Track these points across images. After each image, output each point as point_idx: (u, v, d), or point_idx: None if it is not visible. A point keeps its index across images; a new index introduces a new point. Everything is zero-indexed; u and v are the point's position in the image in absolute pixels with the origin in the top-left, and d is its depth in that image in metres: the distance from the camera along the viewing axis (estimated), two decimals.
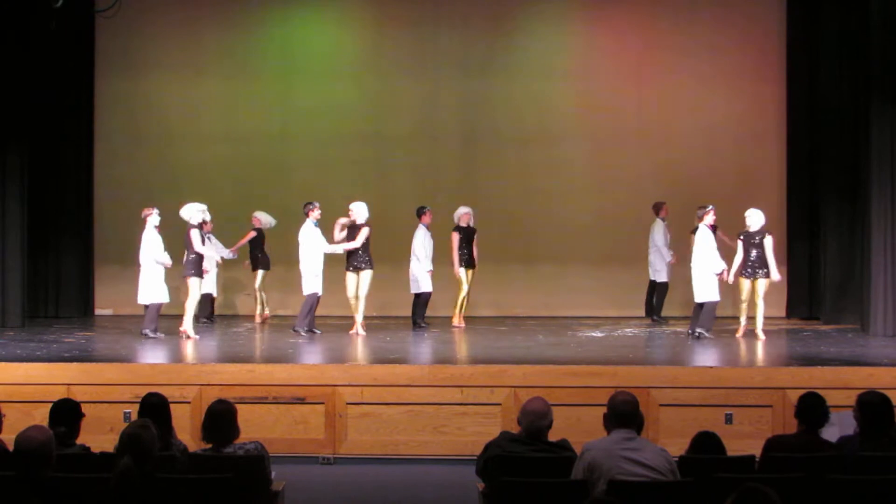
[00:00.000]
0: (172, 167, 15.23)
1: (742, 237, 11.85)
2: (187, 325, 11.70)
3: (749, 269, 11.75)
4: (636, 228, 14.32)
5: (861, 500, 5.20)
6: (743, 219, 11.99)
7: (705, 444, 5.96)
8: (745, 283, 11.80)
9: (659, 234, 13.79)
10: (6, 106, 12.85)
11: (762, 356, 10.68)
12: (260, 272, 13.82)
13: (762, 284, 11.72)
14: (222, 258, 13.61)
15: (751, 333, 11.74)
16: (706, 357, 10.85)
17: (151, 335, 11.61)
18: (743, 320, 11.96)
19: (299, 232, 12.23)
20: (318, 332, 12.11)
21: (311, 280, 12.08)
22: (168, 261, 11.83)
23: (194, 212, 11.87)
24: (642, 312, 14.23)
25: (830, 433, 6.33)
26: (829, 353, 10.65)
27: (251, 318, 13.96)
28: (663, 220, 13.81)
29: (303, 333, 11.98)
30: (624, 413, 5.39)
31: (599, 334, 12.47)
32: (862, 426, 5.97)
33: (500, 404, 8.96)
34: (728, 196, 14.00)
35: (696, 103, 15.13)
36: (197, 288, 11.79)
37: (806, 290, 14.58)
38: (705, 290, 11.65)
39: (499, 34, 15.30)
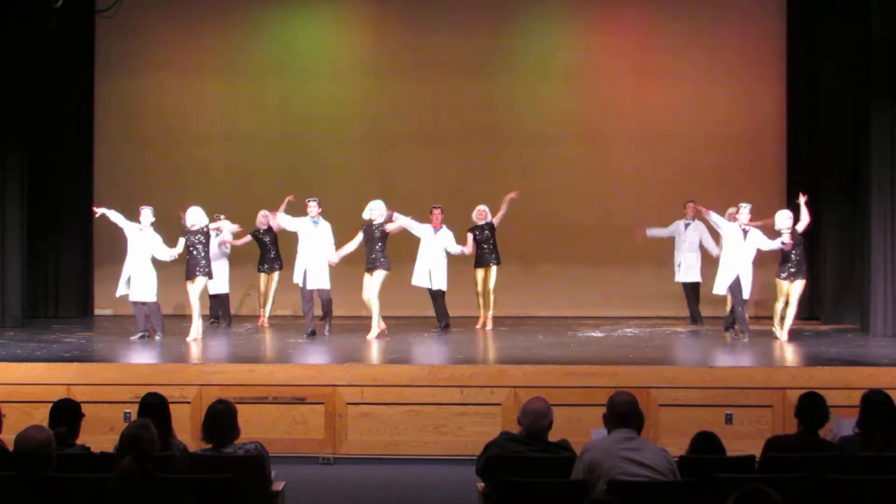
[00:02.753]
0: (172, 167, 15.23)
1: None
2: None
3: (786, 271, 11.52)
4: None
5: (861, 500, 5.20)
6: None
7: (705, 444, 5.96)
8: (783, 285, 11.57)
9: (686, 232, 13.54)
10: (6, 106, 12.87)
11: (762, 356, 10.67)
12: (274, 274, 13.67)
13: (798, 286, 11.51)
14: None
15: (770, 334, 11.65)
16: (706, 357, 10.85)
17: (158, 336, 11.57)
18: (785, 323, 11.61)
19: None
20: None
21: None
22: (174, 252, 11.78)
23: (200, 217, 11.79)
24: (642, 312, 14.18)
25: (831, 436, 6.34)
26: (829, 353, 10.64)
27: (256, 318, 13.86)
28: (689, 219, 13.53)
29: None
30: (623, 413, 5.39)
31: (599, 334, 12.47)
32: (865, 424, 5.98)
33: (500, 404, 8.96)
34: (728, 196, 13.99)
35: (696, 103, 15.13)
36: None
37: (806, 290, 14.50)
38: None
39: (499, 34, 15.30)
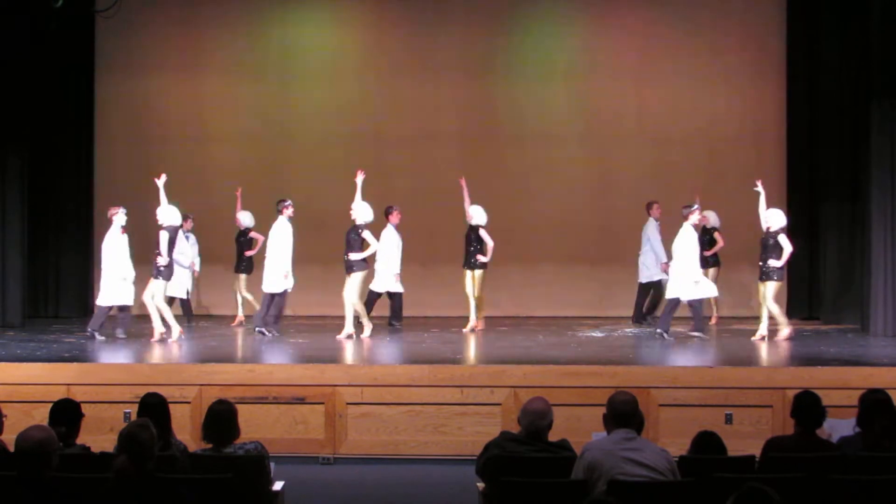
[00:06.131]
0: (172, 167, 15.18)
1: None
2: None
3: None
4: (636, 228, 14.30)
5: (861, 500, 5.20)
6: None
7: (705, 444, 5.96)
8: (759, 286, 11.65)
9: (653, 233, 13.50)
10: (6, 106, 12.87)
11: (762, 356, 10.68)
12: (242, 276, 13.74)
13: (769, 287, 11.49)
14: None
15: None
16: (706, 357, 10.85)
17: (99, 336, 11.53)
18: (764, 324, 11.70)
19: (271, 229, 12.18)
20: (275, 334, 12.00)
21: (280, 278, 12.03)
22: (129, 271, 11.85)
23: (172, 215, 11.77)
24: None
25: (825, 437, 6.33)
26: (829, 353, 10.65)
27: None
28: (656, 219, 13.56)
29: (268, 334, 11.90)
30: (623, 413, 5.39)
31: (599, 334, 12.47)
32: (864, 424, 5.98)
33: (500, 404, 8.96)
34: (728, 196, 14.02)
35: (696, 103, 15.14)
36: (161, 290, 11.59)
37: (806, 290, 14.57)
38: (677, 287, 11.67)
39: (499, 34, 15.31)
